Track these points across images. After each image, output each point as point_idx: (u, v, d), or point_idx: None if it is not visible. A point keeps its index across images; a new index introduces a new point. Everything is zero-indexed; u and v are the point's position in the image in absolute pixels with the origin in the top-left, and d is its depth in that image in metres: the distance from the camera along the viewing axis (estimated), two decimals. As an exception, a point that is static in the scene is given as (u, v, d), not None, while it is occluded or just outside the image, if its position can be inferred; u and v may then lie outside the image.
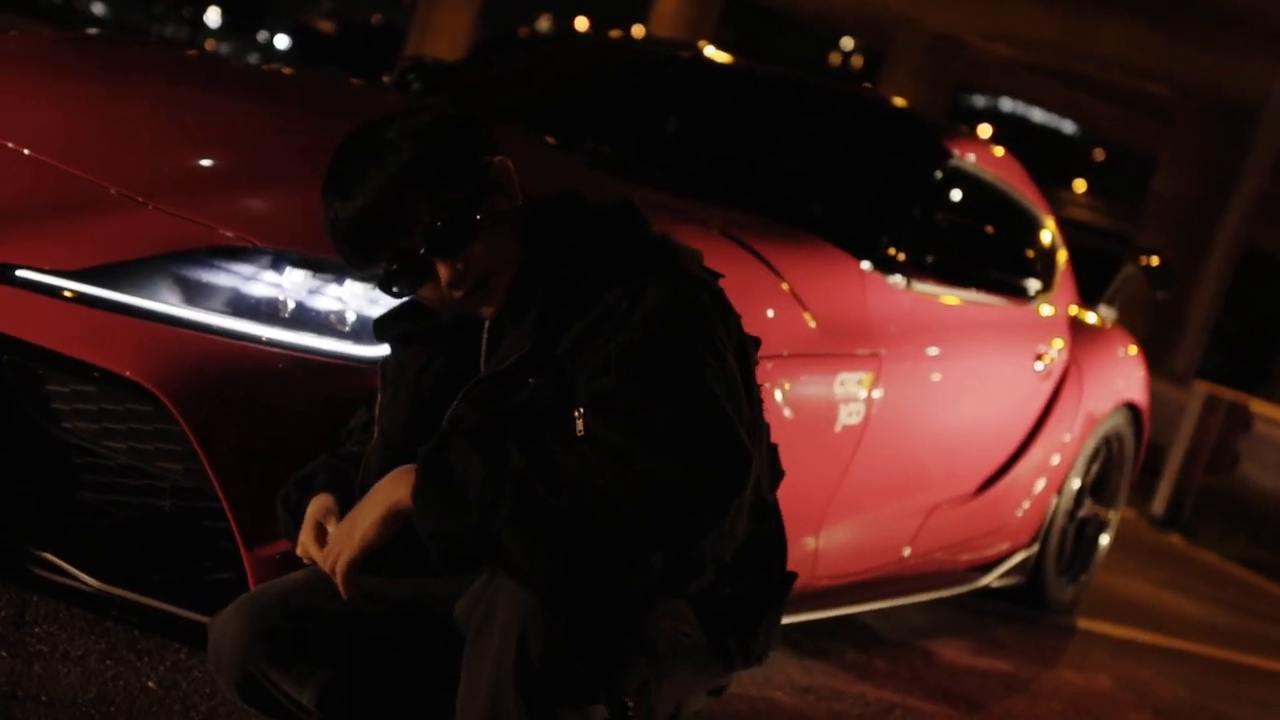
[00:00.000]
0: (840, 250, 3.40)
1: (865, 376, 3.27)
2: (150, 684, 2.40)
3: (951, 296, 3.77)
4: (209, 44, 42.92)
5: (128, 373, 2.32)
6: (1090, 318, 4.90)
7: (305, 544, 1.88)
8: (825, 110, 4.27)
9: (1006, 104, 48.03)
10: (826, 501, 3.31)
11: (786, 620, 3.26)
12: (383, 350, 2.34)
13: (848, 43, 45.31)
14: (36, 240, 2.45)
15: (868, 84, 27.39)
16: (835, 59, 46.93)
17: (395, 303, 2.03)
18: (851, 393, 3.23)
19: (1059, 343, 4.42)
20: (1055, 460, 4.48)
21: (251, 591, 1.98)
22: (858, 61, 46.15)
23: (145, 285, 2.40)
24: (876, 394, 3.32)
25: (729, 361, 1.83)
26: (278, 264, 2.45)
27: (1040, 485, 4.45)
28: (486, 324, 1.94)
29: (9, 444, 2.43)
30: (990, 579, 4.41)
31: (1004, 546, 4.44)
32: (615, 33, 5.68)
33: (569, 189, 2.00)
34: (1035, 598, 4.83)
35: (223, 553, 2.38)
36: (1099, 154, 49.35)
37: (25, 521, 2.43)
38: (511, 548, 1.67)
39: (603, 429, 1.71)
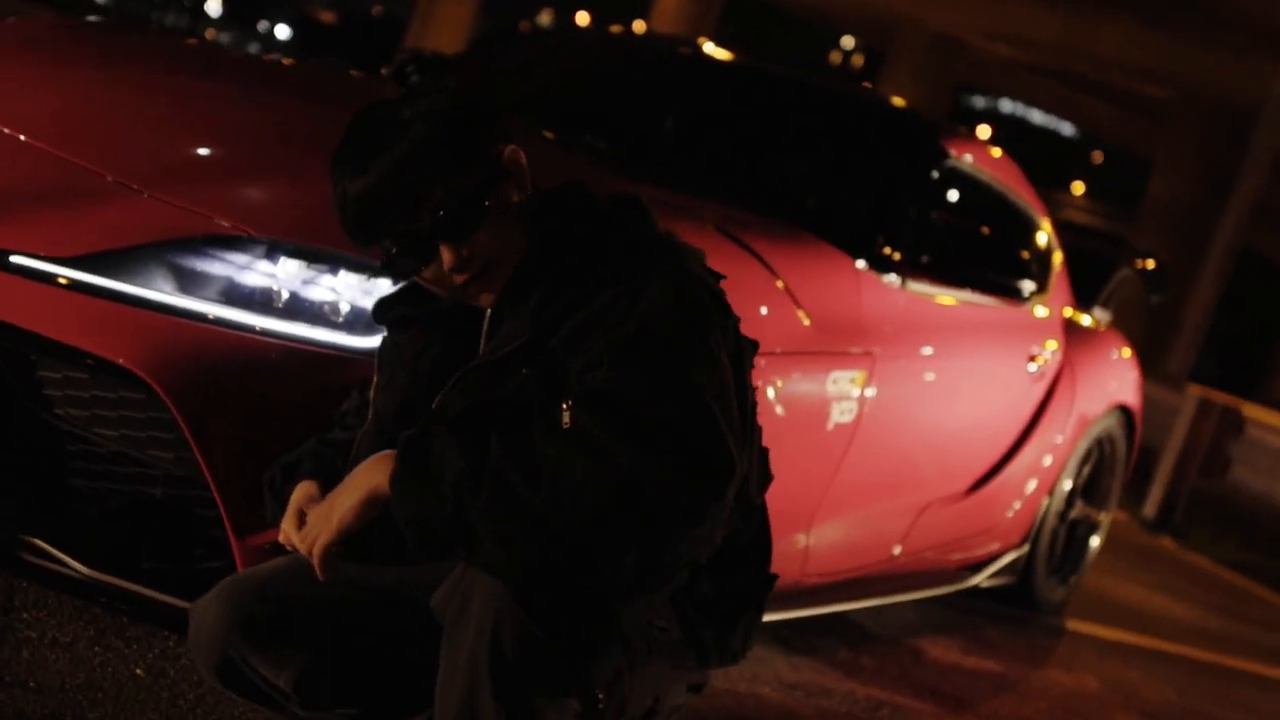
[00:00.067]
0: (835, 248, 3.41)
1: (858, 375, 3.28)
2: (138, 671, 2.41)
3: (946, 296, 3.78)
4: (209, 33, 42.84)
5: (121, 360, 2.32)
6: (1085, 320, 4.90)
7: (287, 530, 1.88)
8: (823, 108, 4.27)
9: (1006, 105, 48.04)
10: (818, 499, 3.32)
11: (776, 617, 3.29)
12: (375, 341, 2.35)
13: (848, 41, 45.30)
14: (32, 226, 2.45)
15: (867, 83, 27.39)
16: (836, 58, 46.91)
17: (391, 288, 2.04)
18: (844, 391, 3.23)
19: (1053, 344, 4.43)
20: (1047, 461, 4.49)
21: (232, 577, 1.98)
22: (858, 60, 46.14)
23: (140, 273, 2.40)
24: (869, 392, 3.32)
25: (723, 365, 1.82)
26: (272, 254, 2.45)
27: (1031, 486, 4.46)
28: (488, 312, 1.94)
29: (0, 430, 2.43)
30: (980, 579, 4.41)
31: (994, 546, 4.45)
32: (616, 28, 5.68)
33: (574, 182, 1.99)
34: (1025, 598, 4.84)
35: (213, 541, 2.39)
36: (1097, 156, 49.37)
37: (15, 507, 2.43)
38: (485, 538, 1.66)
39: (588, 423, 1.70)
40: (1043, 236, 4.55)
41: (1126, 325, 6.52)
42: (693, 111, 4.32)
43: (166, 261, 2.42)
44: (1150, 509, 8.67)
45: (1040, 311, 4.42)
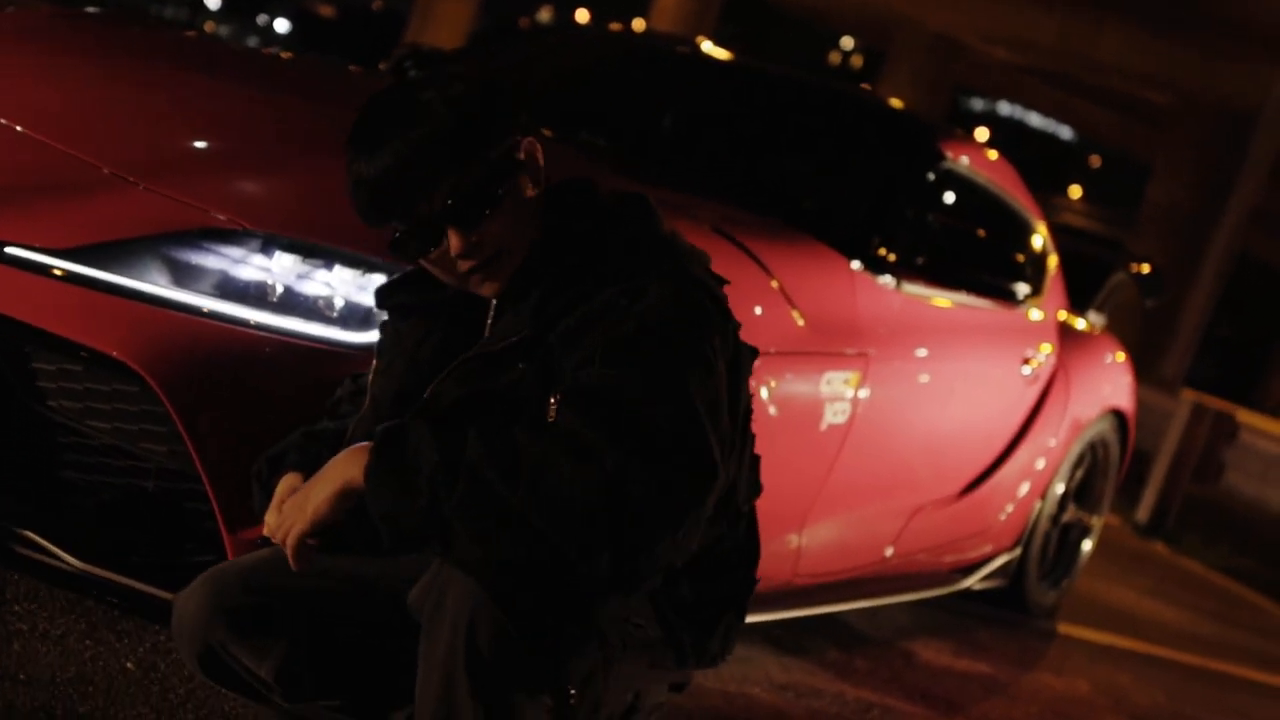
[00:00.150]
0: (831, 249, 3.41)
1: (852, 376, 3.28)
2: (129, 665, 2.41)
3: (941, 298, 3.78)
4: (208, 26, 42.81)
5: (115, 353, 2.32)
6: (1079, 323, 4.91)
7: (269, 522, 1.88)
8: (821, 109, 4.28)
9: (1005, 108, 48.04)
10: (810, 499, 3.32)
11: (768, 617, 3.29)
12: (369, 336, 2.34)
13: (848, 42, 45.30)
14: (27, 218, 2.45)
15: (865, 84, 27.39)
16: (835, 58, 46.93)
17: (381, 281, 2.03)
18: (838, 392, 3.24)
19: (1047, 347, 4.43)
20: (1040, 465, 4.50)
21: (215, 567, 1.97)
22: (857, 61, 46.16)
23: (135, 266, 2.40)
24: (863, 394, 3.32)
25: (717, 372, 1.81)
26: (268, 248, 2.45)
27: (1024, 489, 4.46)
28: (493, 304, 1.93)
29: (-6, 421, 2.43)
30: (972, 581, 4.42)
31: (987, 549, 4.45)
32: (615, 26, 5.68)
33: (579, 178, 1.98)
34: (1017, 601, 4.85)
35: (205, 535, 2.39)
36: (1095, 160, 49.38)
37: (7, 500, 2.43)
38: (460, 535, 1.65)
39: (573, 420, 1.69)
40: (1038, 240, 4.55)
41: (1121, 329, 6.53)
42: (691, 111, 4.32)
43: (162, 254, 2.42)
44: (1143, 513, 8.68)
45: (1035, 315, 4.43)
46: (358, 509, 1.76)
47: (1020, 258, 4.38)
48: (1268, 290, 33.72)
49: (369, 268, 2.44)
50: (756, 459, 2.04)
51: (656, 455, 1.67)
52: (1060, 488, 4.74)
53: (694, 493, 1.70)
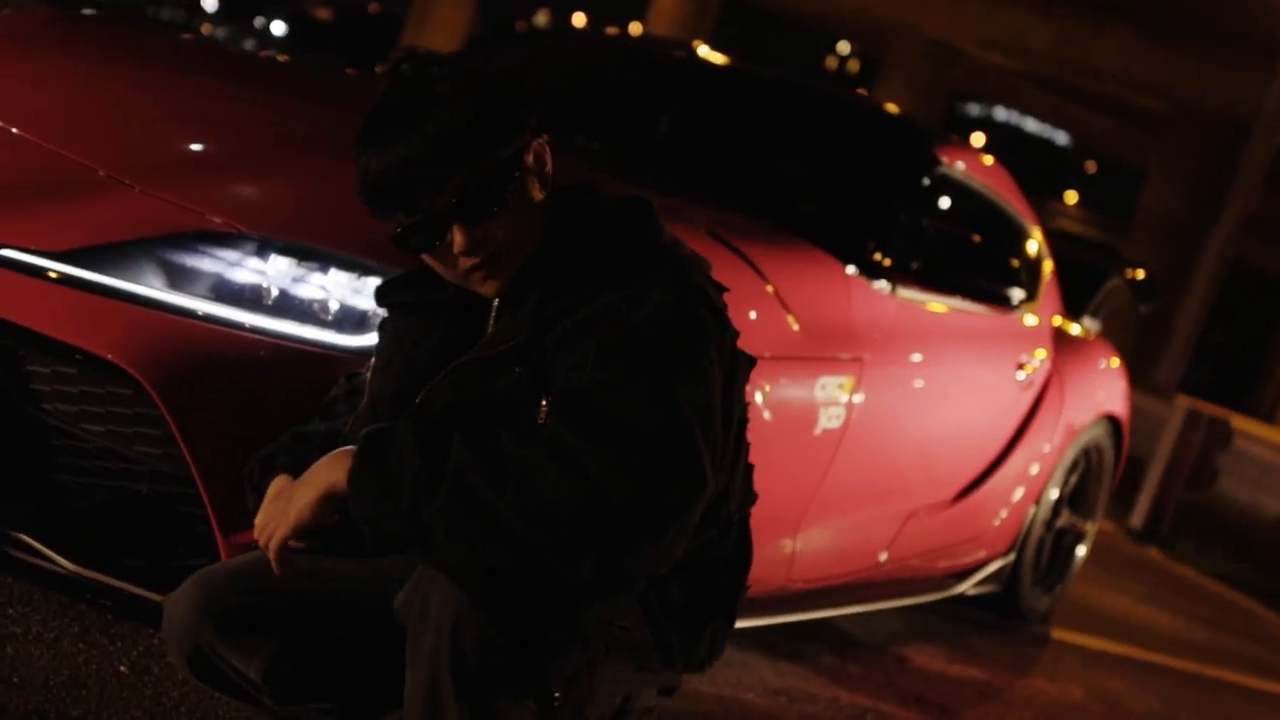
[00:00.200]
0: (826, 254, 3.41)
1: (847, 381, 3.28)
2: (123, 669, 2.40)
3: (936, 303, 3.78)
4: (205, 28, 42.78)
5: (109, 356, 2.32)
6: (1074, 329, 4.91)
7: (258, 524, 1.88)
8: (816, 113, 4.28)
9: (1001, 113, 48.09)
10: (804, 504, 3.32)
11: (761, 622, 3.29)
12: (364, 340, 2.34)
13: (844, 47, 45.35)
14: (23, 220, 2.45)
15: (861, 89, 27.37)
16: (832, 63, 46.97)
17: (376, 283, 2.03)
18: (832, 396, 3.24)
19: (1041, 353, 4.44)
20: (1034, 470, 4.50)
21: (205, 569, 1.97)
22: (854, 66, 46.20)
23: (130, 268, 2.40)
24: (857, 399, 3.33)
25: (711, 380, 1.79)
26: (263, 251, 2.45)
27: (1018, 495, 4.47)
28: (494, 305, 1.93)
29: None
30: (966, 586, 4.42)
31: (981, 554, 4.45)
32: (612, 30, 5.68)
33: (582, 182, 1.98)
34: (1010, 606, 4.85)
35: (198, 538, 2.39)
36: (1091, 166, 49.45)
37: (1, 502, 2.43)
38: (441, 540, 1.65)
39: (561, 424, 1.68)
40: (1033, 245, 4.56)
41: (1116, 335, 6.53)
42: (687, 114, 4.33)
43: (157, 257, 2.42)
44: (1137, 519, 8.68)
45: (1029, 320, 4.43)
46: (344, 511, 1.76)
47: (1015, 263, 4.38)
48: (1262, 296, 33.76)
49: (364, 271, 2.44)
50: (750, 468, 2.03)
51: (644, 462, 1.67)
52: (1054, 493, 4.75)
53: (680, 502, 1.69)
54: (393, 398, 1.94)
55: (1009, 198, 4.40)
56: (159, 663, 2.45)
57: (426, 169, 1.79)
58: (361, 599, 1.95)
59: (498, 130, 1.83)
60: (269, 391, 2.37)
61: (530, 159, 1.87)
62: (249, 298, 2.41)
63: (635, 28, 21.45)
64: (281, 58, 4.52)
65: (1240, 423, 11.38)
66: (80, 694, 2.27)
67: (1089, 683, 4.68)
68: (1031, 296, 4.46)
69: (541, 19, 45.61)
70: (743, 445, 1.98)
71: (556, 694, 1.77)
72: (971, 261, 3.91)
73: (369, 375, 2.03)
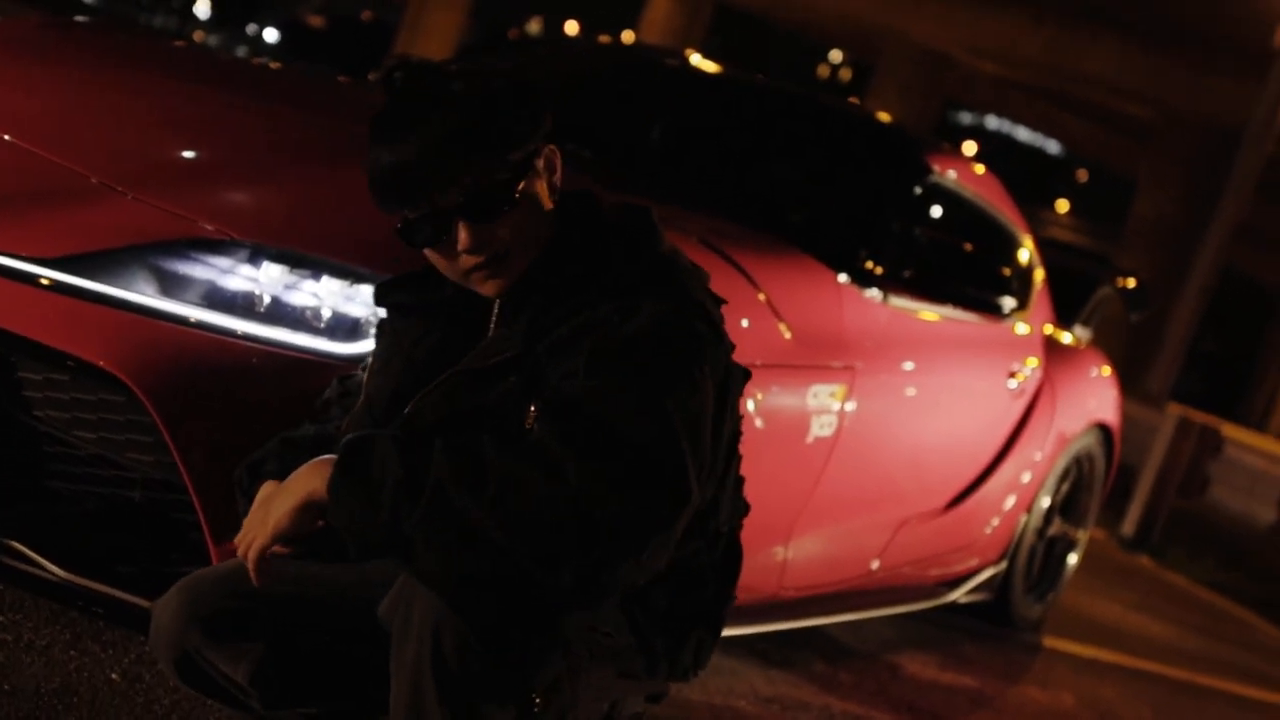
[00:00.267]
0: (818, 262, 3.41)
1: (838, 389, 3.29)
2: (114, 676, 2.40)
3: (927, 312, 3.79)
4: (197, 35, 42.78)
5: (101, 362, 2.32)
6: (1065, 337, 4.92)
7: (240, 533, 1.87)
8: (808, 122, 4.28)
9: (992, 122, 48.21)
10: (796, 512, 3.32)
11: (753, 630, 3.29)
12: (357, 347, 2.34)
13: (836, 55, 45.43)
14: (14, 226, 2.45)
15: (853, 97, 27.44)
16: (824, 71, 47.05)
17: (378, 292, 2.03)
18: (824, 405, 3.24)
19: (1033, 361, 4.44)
20: (1026, 478, 4.51)
21: (192, 574, 1.97)
22: (846, 74, 46.29)
23: (122, 275, 2.40)
24: (849, 407, 3.33)
25: (704, 393, 1.79)
26: (255, 258, 2.44)
27: (1010, 503, 4.47)
28: (495, 309, 1.92)
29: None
30: (958, 595, 4.42)
31: (972, 563, 4.46)
32: (604, 38, 5.69)
33: (582, 190, 1.98)
34: (1002, 614, 4.85)
35: (190, 545, 2.38)
36: (1083, 174, 49.56)
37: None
38: (421, 549, 1.65)
39: (548, 432, 1.68)
40: (1025, 253, 4.57)
41: (1107, 343, 6.55)
42: (679, 123, 4.33)
43: (149, 264, 2.42)
44: (1129, 527, 8.70)
45: (1021, 328, 4.44)
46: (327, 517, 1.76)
47: (1007, 271, 4.39)
48: (1253, 305, 33.85)
49: (356, 278, 2.44)
50: (741, 480, 2.03)
51: (629, 474, 1.66)
52: (1046, 501, 4.75)
53: (663, 514, 1.68)
54: (391, 398, 1.94)
55: (1000, 206, 4.41)
56: (150, 670, 2.45)
57: (437, 164, 1.79)
58: (347, 604, 1.95)
59: (512, 132, 1.83)
60: (261, 398, 2.36)
61: (541, 163, 1.87)
62: (241, 305, 2.41)
63: (627, 36, 21.50)
64: (274, 65, 4.52)
65: (1231, 431, 11.41)
66: (72, 701, 2.27)
67: (1080, 690, 4.69)
68: (1023, 305, 4.47)
69: (534, 27, 45.65)
70: (734, 458, 1.97)
71: (537, 699, 1.77)
72: (963, 270, 3.91)
73: (365, 377, 2.02)
